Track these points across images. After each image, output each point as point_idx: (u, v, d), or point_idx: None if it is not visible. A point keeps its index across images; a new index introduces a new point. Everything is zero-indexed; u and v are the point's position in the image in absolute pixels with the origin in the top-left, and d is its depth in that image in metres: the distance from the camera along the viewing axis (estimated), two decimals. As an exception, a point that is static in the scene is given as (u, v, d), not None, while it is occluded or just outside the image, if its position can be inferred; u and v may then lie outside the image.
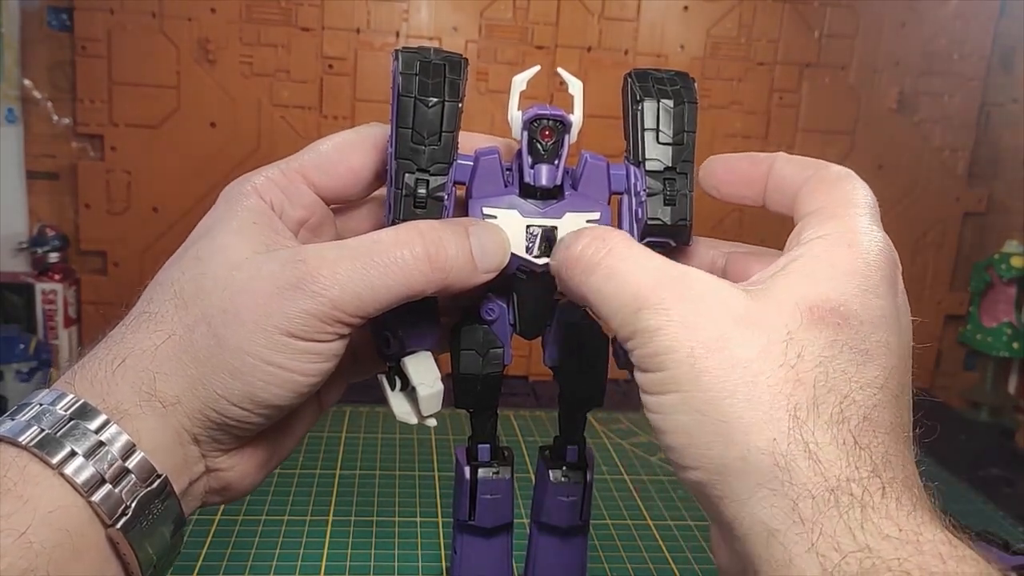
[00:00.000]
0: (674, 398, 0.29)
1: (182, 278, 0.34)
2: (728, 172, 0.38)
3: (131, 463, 0.31)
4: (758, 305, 0.30)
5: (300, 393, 0.34)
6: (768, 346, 0.29)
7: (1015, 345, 0.92)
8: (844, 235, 0.31)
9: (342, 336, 0.34)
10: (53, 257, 0.83)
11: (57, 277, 0.83)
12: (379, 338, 0.39)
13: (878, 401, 0.29)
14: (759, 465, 0.27)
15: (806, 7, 0.88)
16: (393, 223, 0.36)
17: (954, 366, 1.00)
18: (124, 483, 0.31)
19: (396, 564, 0.54)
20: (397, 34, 0.84)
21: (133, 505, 0.31)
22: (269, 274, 0.33)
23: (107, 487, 0.30)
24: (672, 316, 0.30)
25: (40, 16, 0.82)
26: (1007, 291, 0.93)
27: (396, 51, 0.36)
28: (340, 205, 0.40)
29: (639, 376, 0.31)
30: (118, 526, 0.30)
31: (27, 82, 0.83)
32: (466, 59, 0.37)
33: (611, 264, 0.32)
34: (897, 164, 0.93)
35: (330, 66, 0.84)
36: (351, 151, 0.39)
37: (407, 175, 0.36)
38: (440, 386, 0.37)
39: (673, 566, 0.56)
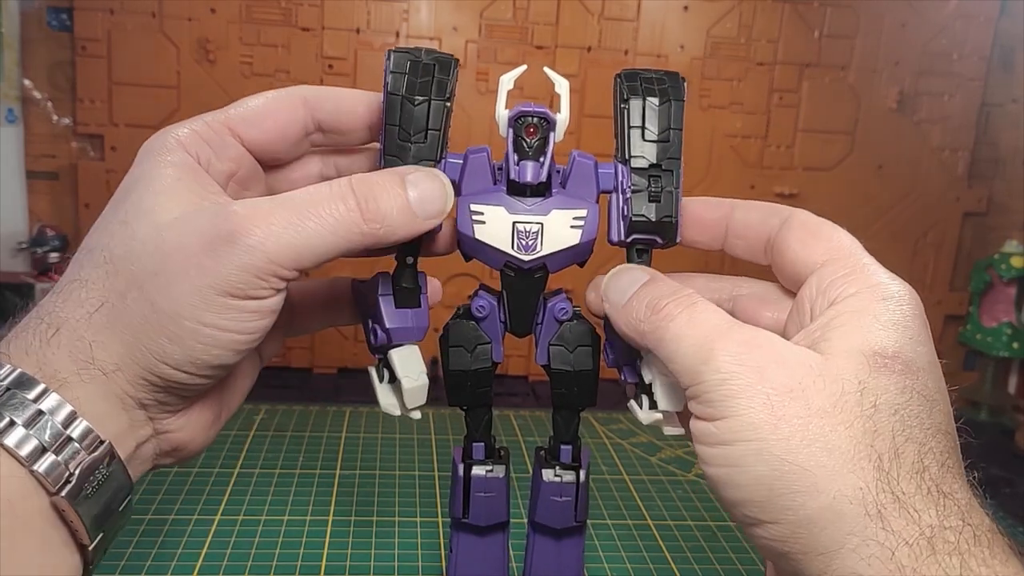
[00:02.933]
0: (750, 447, 0.28)
1: (111, 243, 0.33)
2: (684, 217, 0.38)
3: (73, 431, 0.31)
4: (824, 357, 0.30)
5: (240, 351, 0.33)
6: (843, 396, 0.29)
7: (1015, 345, 0.92)
8: (874, 290, 0.32)
9: (279, 291, 0.33)
10: (53, 257, 0.83)
11: (57, 277, 0.82)
12: (367, 331, 0.39)
13: (949, 448, 0.29)
14: (849, 514, 0.27)
15: (806, 7, 0.88)
16: None
17: (954, 366, 1.00)
18: (66, 451, 0.30)
19: (396, 564, 0.54)
20: (397, 34, 0.84)
21: (77, 472, 0.30)
22: (199, 231, 0.32)
23: (49, 456, 0.30)
24: (745, 362, 0.30)
25: (40, 16, 0.82)
26: (1007, 291, 0.93)
27: (389, 51, 0.37)
28: (269, 163, 0.40)
29: (702, 427, 0.30)
30: (62, 494, 0.30)
31: (27, 82, 0.83)
32: (457, 60, 0.38)
33: (671, 312, 0.33)
34: (897, 164, 0.93)
35: (330, 66, 0.84)
36: (278, 106, 0.38)
37: None
38: (424, 380, 0.38)
39: (673, 566, 0.56)
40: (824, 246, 0.35)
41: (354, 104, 0.39)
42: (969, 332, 0.96)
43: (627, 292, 0.35)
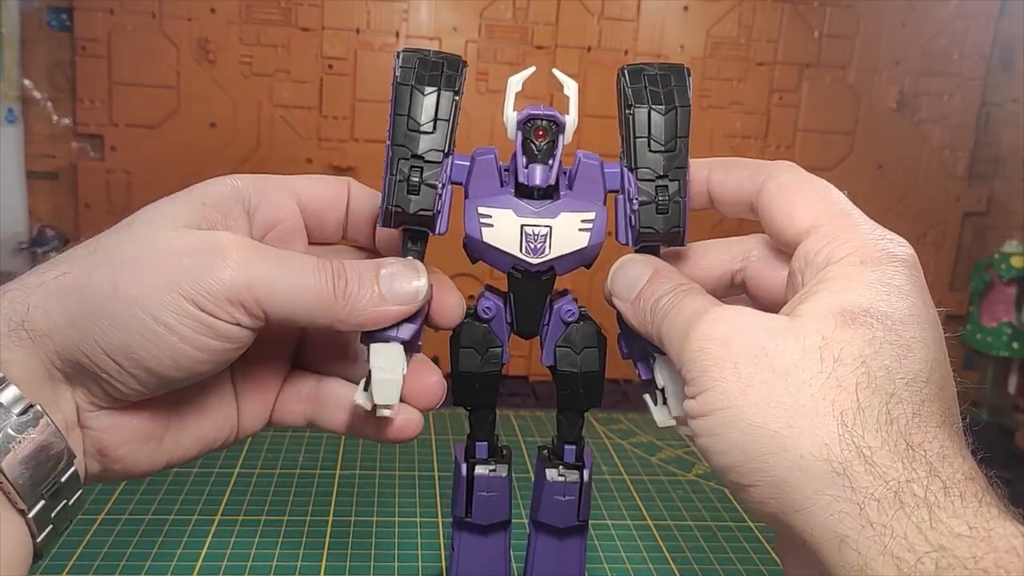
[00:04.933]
0: (724, 415, 0.29)
1: (107, 235, 0.34)
2: None
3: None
4: (790, 319, 0.31)
5: (180, 367, 0.33)
6: (805, 353, 0.29)
7: (1015, 345, 0.92)
8: (855, 253, 0.32)
9: (240, 325, 0.33)
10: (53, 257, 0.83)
11: (57, 277, 0.83)
12: None
13: (925, 396, 0.29)
14: (816, 472, 0.27)
15: (806, 7, 0.88)
16: (385, 211, 0.36)
17: (954, 366, 0.99)
18: None
19: (396, 564, 0.54)
20: (397, 34, 0.84)
21: (2, 433, 0.30)
22: (193, 238, 0.33)
23: None
24: (713, 336, 0.31)
25: (40, 16, 0.82)
26: (1007, 291, 0.93)
27: (398, 51, 0.37)
28: (314, 231, 0.41)
29: (689, 404, 0.31)
30: None
31: (27, 82, 0.83)
32: (465, 62, 0.38)
33: (667, 307, 0.34)
34: (897, 164, 0.93)
35: (330, 66, 0.84)
36: (329, 181, 0.40)
37: (401, 161, 0.36)
38: (397, 376, 0.36)
39: (673, 566, 0.56)
40: (808, 211, 0.34)
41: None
42: (969, 332, 0.96)
43: (633, 289, 0.36)
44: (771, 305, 0.36)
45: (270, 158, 0.85)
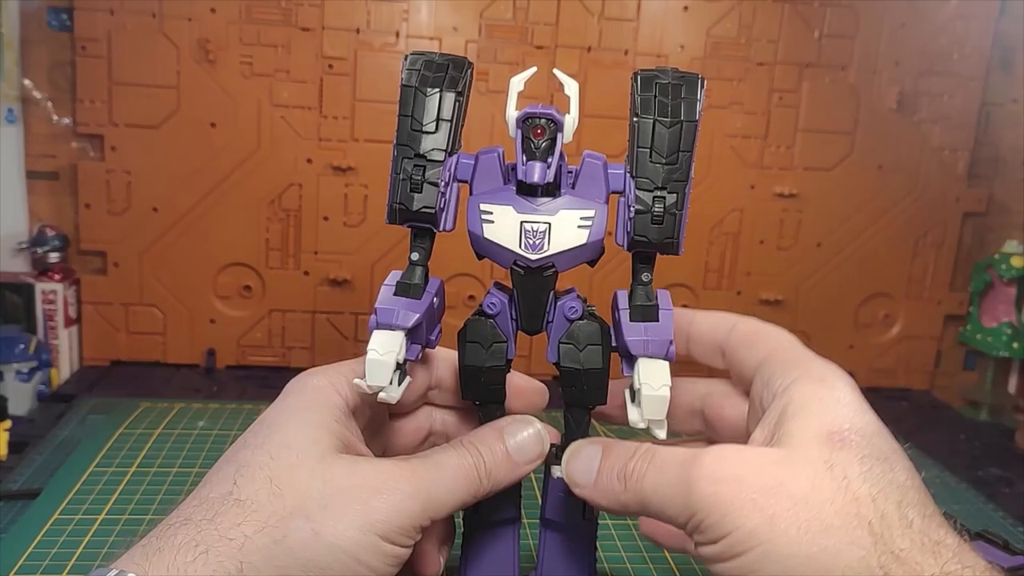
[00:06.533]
0: (756, 553, 0.30)
1: (272, 464, 0.35)
2: None
3: None
4: (786, 450, 0.33)
5: None
6: (816, 477, 0.31)
7: (1015, 345, 0.92)
8: (809, 374, 0.36)
9: (414, 542, 0.36)
10: (53, 257, 0.83)
11: (57, 277, 0.83)
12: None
13: (919, 499, 0.32)
14: None
15: (806, 7, 0.88)
16: (390, 208, 0.38)
17: (954, 366, 1.00)
18: None
19: None
20: (397, 34, 0.84)
21: None
22: (370, 474, 0.35)
23: None
24: (720, 476, 0.32)
25: (40, 16, 0.82)
26: (1007, 291, 0.93)
27: (406, 55, 0.38)
28: (394, 411, 0.44)
29: (709, 551, 0.32)
30: None
31: (27, 82, 0.83)
32: (471, 63, 0.39)
33: (640, 470, 0.35)
34: (897, 164, 0.93)
35: (330, 66, 0.84)
36: (417, 363, 0.42)
37: (405, 160, 0.37)
38: (389, 359, 0.37)
39: (673, 566, 0.56)
40: (764, 345, 0.39)
41: None
42: (969, 332, 0.96)
43: (591, 470, 0.38)
44: (731, 437, 0.41)
45: (270, 158, 0.85)
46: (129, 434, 0.70)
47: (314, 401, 0.38)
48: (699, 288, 0.92)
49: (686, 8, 0.87)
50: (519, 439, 0.39)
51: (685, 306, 0.90)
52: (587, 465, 0.38)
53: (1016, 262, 0.91)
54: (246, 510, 0.33)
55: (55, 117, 0.84)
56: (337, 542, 0.33)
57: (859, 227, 0.93)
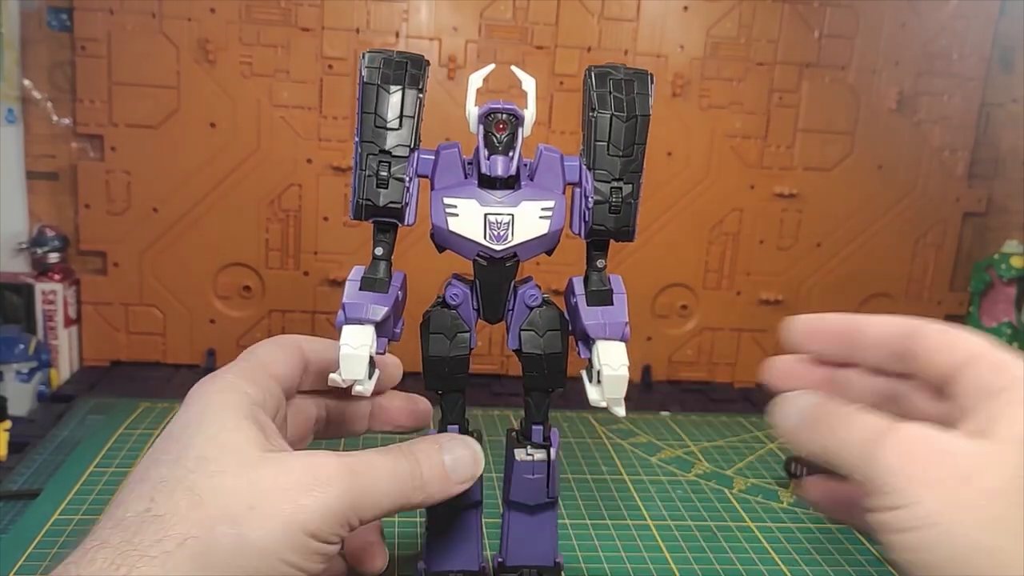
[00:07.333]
0: (933, 532, 0.30)
1: (191, 476, 0.34)
2: (815, 331, 0.44)
3: None
4: (990, 443, 0.32)
5: None
6: (1012, 480, 0.31)
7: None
8: (1016, 383, 0.34)
9: (342, 540, 0.36)
10: (53, 257, 0.83)
11: (57, 277, 0.83)
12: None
13: None
14: None
15: (806, 7, 0.88)
16: (356, 205, 0.39)
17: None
18: None
19: (396, 565, 0.54)
20: (397, 34, 0.84)
21: None
22: (296, 471, 0.35)
23: None
24: (912, 451, 0.32)
25: (40, 16, 0.82)
26: (1007, 291, 0.93)
27: (364, 53, 0.39)
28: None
29: (882, 518, 0.32)
30: None
31: (27, 82, 0.83)
32: (428, 61, 0.40)
33: (832, 419, 0.36)
34: (897, 164, 0.93)
35: (330, 66, 0.84)
36: (284, 349, 0.44)
37: (370, 157, 0.39)
38: (363, 353, 0.38)
39: (673, 566, 0.56)
40: (962, 347, 0.37)
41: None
42: (969, 332, 0.96)
43: (802, 416, 0.38)
44: None
45: (270, 158, 0.85)
46: (129, 434, 0.70)
47: (222, 405, 0.37)
48: (699, 288, 0.92)
49: (686, 8, 0.87)
50: (456, 456, 0.40)
51: (686, 307, 0.91)
52: (799, 410, 0.38)
53: (1016, 262, 0.91)
54: (166, 524, 0.32)
55: (55, 117, 0.83)
56: (264, 544, 0.33)
57: (859, 227, 0.93)
